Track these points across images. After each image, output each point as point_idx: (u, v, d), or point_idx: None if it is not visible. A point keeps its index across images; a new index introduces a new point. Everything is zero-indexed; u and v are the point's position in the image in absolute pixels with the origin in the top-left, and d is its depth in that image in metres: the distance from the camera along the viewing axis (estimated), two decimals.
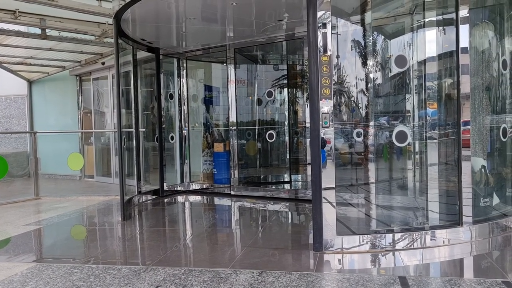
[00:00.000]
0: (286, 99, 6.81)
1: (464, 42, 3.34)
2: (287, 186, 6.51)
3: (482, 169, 3.72)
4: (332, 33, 3.19)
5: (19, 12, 5.76)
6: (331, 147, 3.23)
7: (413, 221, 3.66)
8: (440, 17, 3.55)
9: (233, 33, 5.51)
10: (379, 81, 3.71)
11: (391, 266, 3.00)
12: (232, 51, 5.98)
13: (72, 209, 5.53)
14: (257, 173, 6.79)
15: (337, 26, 3.39)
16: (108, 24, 6.33)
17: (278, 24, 5.04)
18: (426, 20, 3.57)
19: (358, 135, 3.67)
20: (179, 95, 6.62)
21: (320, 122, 3.18)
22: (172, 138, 6.62)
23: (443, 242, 3.31)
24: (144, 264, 3.13)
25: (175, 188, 6.52)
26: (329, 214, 3.20)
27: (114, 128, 7.76)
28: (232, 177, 6.07)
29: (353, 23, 3.66)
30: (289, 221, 4.59)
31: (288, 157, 6.62)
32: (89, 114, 9.44)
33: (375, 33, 3.70)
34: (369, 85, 3.63)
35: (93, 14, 5.76)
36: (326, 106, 3.18)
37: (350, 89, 3.64)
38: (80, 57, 8.61)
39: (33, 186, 6.62)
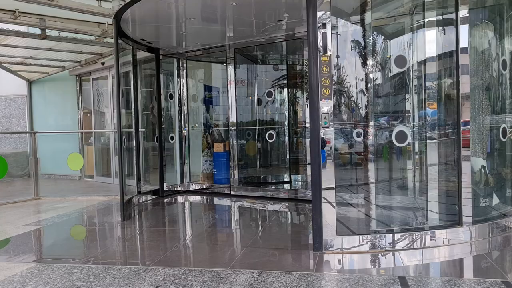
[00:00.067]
0: (286, 99, 6.81)
1: (464, 42, 3.34)
2: (287, 186, 6.51)
3: (482, 169, 3.72)
4: (332, 33, 3.19)
5: (19, 12, 5.77)
6: (331, 147, 3.24)
7: (413, 221, 3.66)
8: (440, 17, 3.55)
9: (233, 33, 5.51)
10: (379, 81, 3.71)
11: (391, 266, 3.00)
12: (232, 51, 5.98)
13: (72, 209, 5.53)
14: (257, 173, 6.79)
15: (337, 26, 3.39)
16: (108, 24, 6.33)
17: (278, 24, 5.04)
18: (426, 20, 3.57)
19: (358, 135, 3.66)
20: (179, 95, 6.62)
21: (320, 122, 3.18)
22: (172, 138, 6.62)
23: (443, 242, 3.31)
24: (144, 264, 3.13)
25: (175, 188, 6.52)
26: (329, 214, 3.20)
27: (114, 128, 7.76)
28: (232, 177, 6.07)
29: (353, 23, 3.66)
30: (289, 221, 4.59)
31: (288, 157, 6.62)
32: (89, 114, 9.43)
33: (375, 33, 3.70)
34: (369, 85, 3.63)
35: (93, 14, 5.77)
36: (326, 106, 3.18)
37: (350, 89, 3.64)
38: (80, 57, 8.62)
39: (33, 186, 6.61)
